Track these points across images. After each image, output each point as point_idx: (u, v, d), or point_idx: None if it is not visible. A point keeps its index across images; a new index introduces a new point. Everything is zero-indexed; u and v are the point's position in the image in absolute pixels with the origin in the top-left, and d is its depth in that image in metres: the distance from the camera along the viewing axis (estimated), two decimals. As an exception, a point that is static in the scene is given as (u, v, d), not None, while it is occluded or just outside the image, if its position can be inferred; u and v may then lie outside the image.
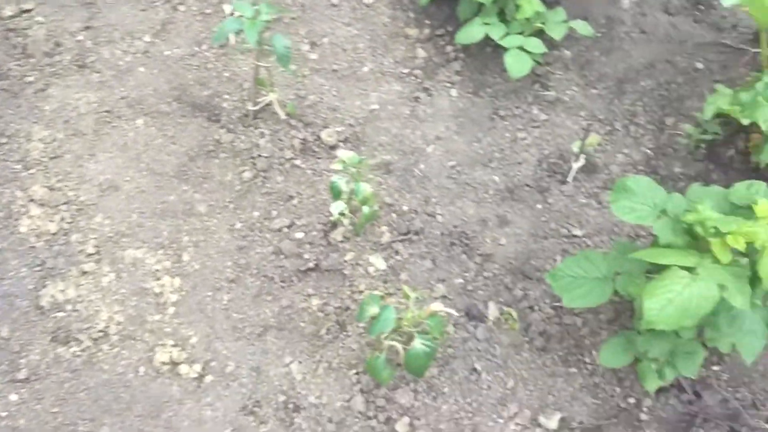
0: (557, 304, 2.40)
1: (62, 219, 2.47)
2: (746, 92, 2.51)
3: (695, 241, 1.86)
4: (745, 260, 1.81)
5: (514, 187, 2.70)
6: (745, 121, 2.44)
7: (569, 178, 2.69)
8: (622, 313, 2.39)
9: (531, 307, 2.40)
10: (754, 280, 1.80)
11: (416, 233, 2.55)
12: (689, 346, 2.09)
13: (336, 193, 2.22)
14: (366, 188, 2.21)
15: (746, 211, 1.85)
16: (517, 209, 2.66)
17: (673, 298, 1.73)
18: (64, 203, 2.51)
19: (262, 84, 2.61)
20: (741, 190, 1.92)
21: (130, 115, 2.76)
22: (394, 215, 2.59)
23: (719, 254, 1.76)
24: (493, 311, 2.39)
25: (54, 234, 2.44)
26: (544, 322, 2.38)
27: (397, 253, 2.50)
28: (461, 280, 2.47)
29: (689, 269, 1.77)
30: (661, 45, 3.06)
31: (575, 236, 2.59)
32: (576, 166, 2.65)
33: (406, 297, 2.04)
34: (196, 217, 2.54)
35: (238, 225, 2.54)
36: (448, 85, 2.96)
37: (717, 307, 1.84)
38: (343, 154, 2.22)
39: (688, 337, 2.07)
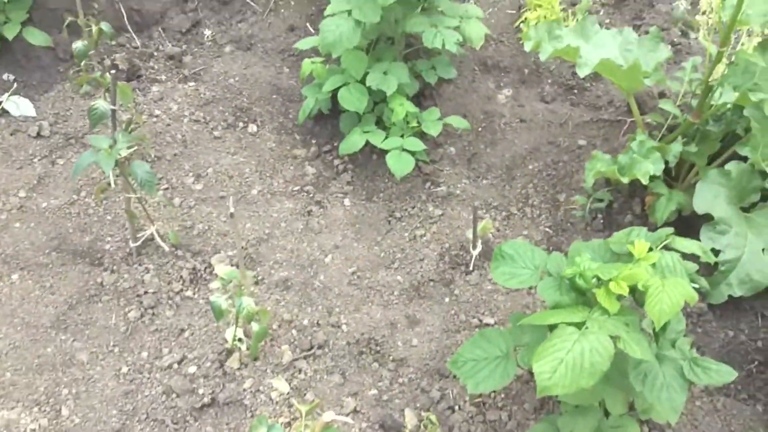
0: (479, 399, 2.22)
1: None
2: (624, 154, 2.55)
3: (582, 296, 1.76)
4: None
5: (419, 285, 2.59)
6: (626, 180, 2.45)
7: (471, 267, 2.60)
8: (548, 400, 2.22)
9: (451, 408, 2.21)
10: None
11: (320, 347, 2.38)
12: (618, 422, 1.91)
13: (218, 313, 2.05)
14: (249, 303, 2.05)
15: (627, 257, 1.77)
16: (426, 306, 2.53)
17: (564, 357, 1.57)
18: None
19: (132, 216, 2.50)
20: (620, 237, 1.85)
21: (5, 271, 2.58)
22: (294, 332, 2.42)
23: (606, 304, 1.64)
24: (410, 419, 2.18)
25: None
26: (468, 423, 2.18)
27: (300, 371, 2.31)
28: (375, 391, 2.28)
29: (578, 325, 1.64)
30: (542, 130, 3.13)
31: (487, 324, 2.46)
32: (475, 253, 2.58)
33: (299, 412, 1.83)
34: (76, 367, 2.31)
35: (125, 369, 2.32)
36: (341, 195, 2.92)
37: (624, 365, 1.71)
38: (221, 270, 2.08)
39: (617, 413, 1.91)
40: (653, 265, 1.72)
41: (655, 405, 1.70)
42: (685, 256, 1.80)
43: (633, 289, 1.67)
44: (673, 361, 1.73)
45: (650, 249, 1.75)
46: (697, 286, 1.75)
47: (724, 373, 1.73)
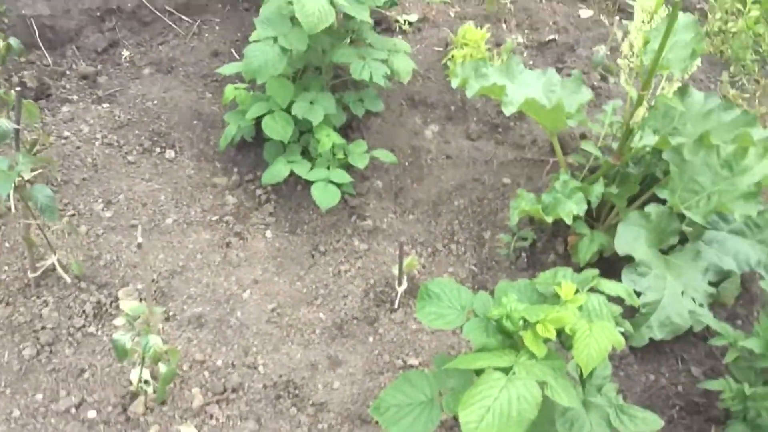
0: (401, 443, 2.12)
1: None
2: (547, 194, 2.56)
3: (509, 338, 1.71)
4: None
5: (342, 323, 2.50)
6: (550, 219, 2.45)
7: (396, 304, 2.53)
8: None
9: (373, 453, 2.11)
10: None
11: (234, 390, 2.24)
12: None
13: (121, 352, 1.88)
14: (157, 341, 1.89)
15: (554, 299, 1.74)
16: (349, 346, 2.43)
17: (491, 405, 1.50)
18: None
19: (31, 243, 2.30)
20: (547, 277, 1.82)
21: None
22: (206, 373, 2.26)
23: (533, 348, 1.59)
24: (329, 465, 2.07)
25: None
26: (390, 468, 2.08)
27: (212, 417, 2.15)
28: (292, 436, 2.15)
29: (505, 370, 1.58)
30: (467, 167, 3.13)
31: (411, 366, 2.38)
32: (401, 290, 2.51)
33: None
34: (-42, 412, 2.08)
35: (16, 413, 2.10)
36: (262, 227, 2.80)
37: (551, 413, 1.66)
38: (126, 305, 1.93)
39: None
40: (580, 307, 1.69)
41: (584, 453, 1.65)
42: (610, 299, 1.79)
43: (559, 332, 1.63)
44: (600, 408, 1.70)
45: (576, 291, 1.73)
46: (622, 329, 1.74)
47: (650, 422, 1.71)
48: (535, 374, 1.55)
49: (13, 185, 2.02)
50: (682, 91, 2.64)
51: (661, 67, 2.41)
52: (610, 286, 1.79)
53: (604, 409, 1.71)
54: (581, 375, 1.70)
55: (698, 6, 4.90)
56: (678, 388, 2.38)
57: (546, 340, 1.63)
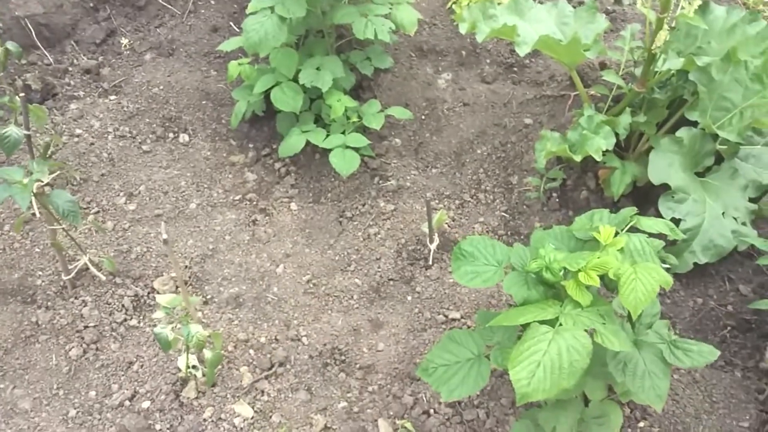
0: (454, 400, 2.12)
1: None
2: (573, 131, 2.48)
3: (551, 289, 1.66)
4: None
5: (378, 285, 2.48)
6: (578, 158, 2.38)
7: (430, 261, 2.50)
8: (524, 388, 2.14)
9: (426, 412, 2.11)
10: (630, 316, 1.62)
11: (281, 364, 2.24)
12: (600, 409, 1.84)
13: (164, 344, 1.89)
14: (198, 330, 1.89)
15: (593, 243, 1.69)
16: (388, 307, 2.42)
17: (541, 360, 1.47)
18: None
19: (60, 247, 2.30)
20: (583, 222, 1.76)
21: (-77, 322, 2.35)
22: (251, 351, 2.27)
23: (577, 297, 1.55)
24: (385, 429, 2.07)
25: None
26: (445, 425, 2.08)
27: (263, 393, 2.16)
28: (344, 404, 2.16)
29: (551, 322, 1.54)
30: (486, 112, 3.05)
31: (454, 320, 2.36)
32: (433, 246, 2.48)
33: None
34: (20, 416, 2.11)
35: (72, 412, 2.13)
36: (286, 200, 2.77)
37: (602, 355, 1.63)
38: (162, 298, 1.92)
39: (597, 399, 1.84)
40: (621, 250, 1.63)
41: (638, 393, 1.62)
42: (651, 235, 1.73)
43: (602, 277, 1.58)
44: (652, 345, 1.66)
45: (616, 233, 1.67)
46: (667, 266, 1.68)
47: (706, 353, 1.66)
48: (583, 323, 1.51)
49: (32, 193, 2.00)
50: (703, 8, 2.52)
51: (678, -16, 2.30)
52: (649, 223, 1.72)
53: (657, 346, 1.67)
54: (630, 316, 1.65)
55: None
56: (728, 308, 2.33)
57: (589, 287, 1.58)
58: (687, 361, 1.65)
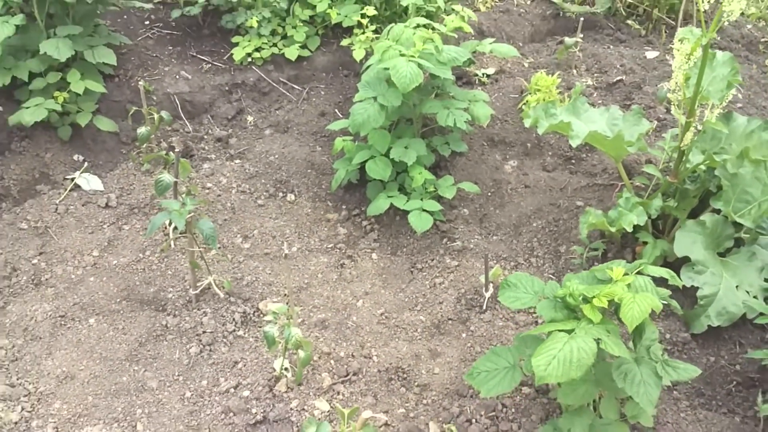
0: (492, 413, 2.56)
1: (23, 409, 2.60)
2: (613, 210, 2.99)
3: (573, 313, 2.16)
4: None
5: (439, 323, 2.98)
6: (613, 229, 2.87)
7: (484, 307, 2.99)
8: (552, 412, 2.56)
9: (469, 420, 2.56)
10: (634, 335, 2.08)
11: (355, 374, 2.76)
12: (609, 422, 2.25)
13: (270, 341, 2.46)
14: (297, 332, 2.46)
15: (609, 282, 2.18)
16: (446, 341, 2.91)
17: (556, 354, 1.96)
18: (25, 396, 2.65)
19: (196, 266, 2.94)
20: (603, 267, 2.26)
21: (83, 316, 3.01)
22: (332, 362, 2.80)
23: (590, 315, 2.03)
24: (434, 429, 2.53)
25: (16, 423, 2.55)
26: (484, 433, 2.53)
27: (339, 394, 2.68)
28: (403, 410, 2.63)
29: (568, 331, 2.03)
30: (544, 194, 3.59)
31: (500, 355, 2.82)
32: (488, 295, 2.98)
33: (341, 414, 2.20)
34: (148, 392, 2.70)
35: (188, 394, 2.70)
36: (369, 251, 3.36)
37: (607, 367, 2.08)
38: (272, 306, 2.50)
39: (610, 419, 2.26)
40: (628, 285, 2.12)
41: (634, 397, 2.05)
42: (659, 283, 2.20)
43: (611, 303, 2.06)
44: (648, 363, 2.10)
45: (626, 273, 2.15)
46: (666, 302, 2.14)
47: (690, 370, 2.09)
48: (592, 333, 1.99)
49: (184, 220, 2.68)
50: (728, 116, 3.03)
51: (702, 98, 2.83)
52: (654, 269, 2.20)
53: (652, 363, 2.11)
54: (633, 340, 2.11)
55: (763, 39, 5.21)
56: (736, 367, 2.69)
57: (601, 310, 2.06)
58: (674, 375, 2.08)
